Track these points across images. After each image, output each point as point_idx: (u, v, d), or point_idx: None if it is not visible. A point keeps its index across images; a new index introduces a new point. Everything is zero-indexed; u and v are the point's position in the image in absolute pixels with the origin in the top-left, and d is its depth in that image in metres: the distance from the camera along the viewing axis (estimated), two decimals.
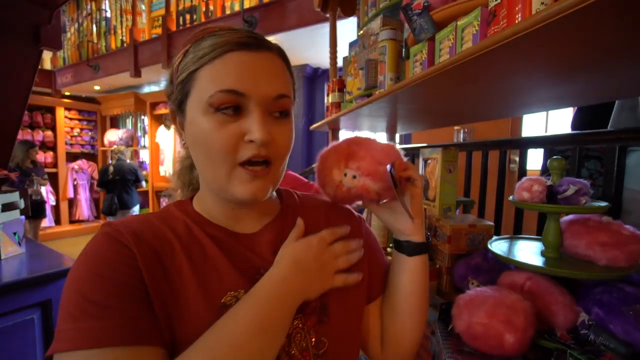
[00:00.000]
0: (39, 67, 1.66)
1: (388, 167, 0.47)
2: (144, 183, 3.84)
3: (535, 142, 1.24)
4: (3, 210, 1.30)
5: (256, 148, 0.40)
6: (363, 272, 0.51)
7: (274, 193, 0.54)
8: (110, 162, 4.38)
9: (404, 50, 0.83)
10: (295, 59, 3.65)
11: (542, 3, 0.37)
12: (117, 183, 3.66)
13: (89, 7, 4.73)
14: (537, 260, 0.65)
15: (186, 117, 0.43)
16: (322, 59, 3.59)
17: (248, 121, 0.40)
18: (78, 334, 0.34)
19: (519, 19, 0.40)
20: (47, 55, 5.12)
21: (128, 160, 3.93)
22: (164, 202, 4.77)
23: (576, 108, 1.47)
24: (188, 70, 0.42)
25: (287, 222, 0.51)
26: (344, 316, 0.47)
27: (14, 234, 1.36)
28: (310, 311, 0.45)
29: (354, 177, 0.49)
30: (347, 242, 0.50)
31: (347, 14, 1.40)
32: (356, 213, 0.58)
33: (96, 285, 0.36)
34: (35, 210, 3.54)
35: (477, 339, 0.52)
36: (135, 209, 3.82)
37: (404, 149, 2.15)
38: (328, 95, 1.28)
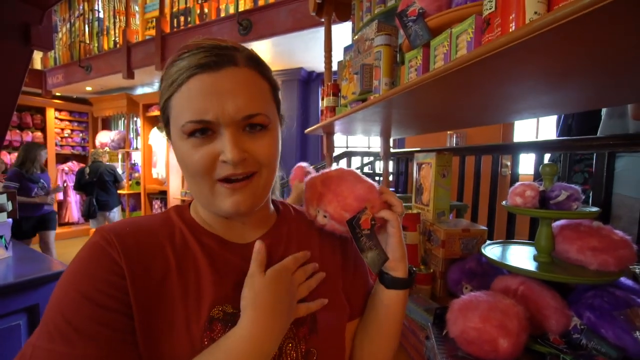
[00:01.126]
0: (29, 67, 1.63)
1: (348, 216, 0.49)
2: (123, 183, 3.75)
3: (527, 147, 1.26)
4: None
5: (232, 167, 0.41)
6: (337, 288, 0.52)
7: (272, 207, 0.55)
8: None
9: (398, 55, 0.84)
10: (289, 62, 3.66)
11: (536, 12, 0.38)
12: (95, 185, 3.60)
13: (81, 7, 4.68)
14: (529, 264, 0.65)
15: (171, 138, 0.45)
16: (316, 63, 3.61)
17: (220, 142, 0.41)
18: (51, 357, 0.34)
19: (513, 27, 0.41)
20: (37, 55, 5.04)
21: (105, 162, 3.83)
22: (156, 204, 4.72)
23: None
24: (164, 98, 0.43)
25: (282, 233, 0.52)
26: (331, 328, 0.48)
27: (1, 237, 1.33)
28: (302, 321, 0.46)
29: (325, 216, 0.51)
30: (305, 267, 0.49)
31: (342, 18, 1.41)
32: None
33: (79, 307, 0.36)
34: (45, 221, 3.16)
35: (471, 343, 0.52)
36: (115, 210, 3.74)
37: (396, 153, 2.16)
38: (323, 99, 1.29)
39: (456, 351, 0.55)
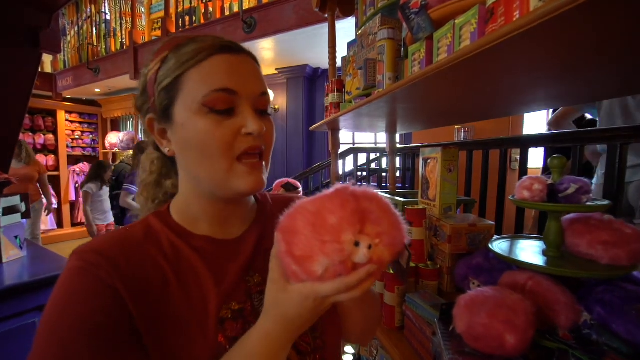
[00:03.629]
0: (39, 70, 1.66)
1: (406, 238, 0.36)
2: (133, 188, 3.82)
3: (536, 140, 1.23)
4: (4, 214, 1.30)
5: (252, 140, 0.43)
6: None
7: (252, 197, 0.56)
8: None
9: (402, 49, 0.83)
10: (294, 60, 3.65)
11: (540, 0, 0.37)
12: (114, 183, 3.69)
13: (88, 10, 4.74)
14: (538, 259, 0.64)
15: (174, 121, 0.43)
16: (321, 59, 3.59)
17: (241, 117, 0.43)
18: None
19: (517, 16, 0.40)
20: (47, 59, 5.14)
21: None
22: None
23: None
24: (173, 76, 0.42)
25: (266, 224, 0.52)
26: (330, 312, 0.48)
27: (15, 237, 1.37)
28: None
29: (370, 247, 0.33)
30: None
31: (346, 14, 1.40)
32: None
33: (81, 341, 0.33)
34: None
35: (478, 339, 0.51)
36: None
37: (403, 148, 2.15)
38: (327, 95, 1.28)
39: (463, 347, 0.54)
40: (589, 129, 1.17)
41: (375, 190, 0.37)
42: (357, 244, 0.32)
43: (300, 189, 1.81)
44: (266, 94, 0.46)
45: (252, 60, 0.47)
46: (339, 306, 0.51)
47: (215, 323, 0.41)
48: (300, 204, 0.34)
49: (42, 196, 3.42)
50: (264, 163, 0.46)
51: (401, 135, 3.63)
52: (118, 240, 0.41)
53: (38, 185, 3.38)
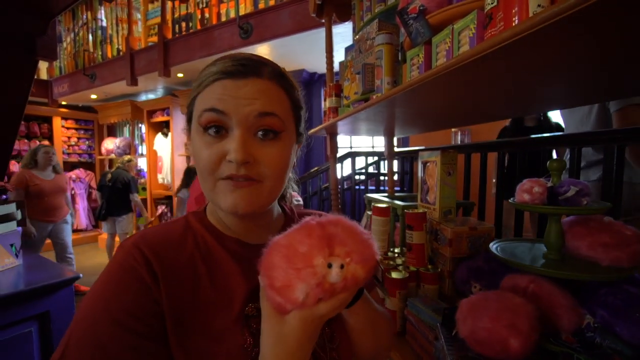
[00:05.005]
0: (35, 77, 1.65)
1: (377, 254, 0.37)
2: (135, 196, 3.79)
3: (534, 143, 1.24)
4: (0, 222, 1.28)
5: (235, 167, 0.42)
6: None
7: (279, 208, 0.57)
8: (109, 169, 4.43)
9: (400, 54, 0.83)
10: (291, 64, 3.66)
11: (539, 5, 0.37)
12: (111, 189, 3.69)
13: (84, 16, 4.74)
14: (539, 262, 0.64)
15: (190, 133, 0.48)
16: (318, 64, 3.61)
17: (229, 141, 0.43)
18: None
19: (516, 21, 0.40)
20: (43, 65, 5.12)
21: (132, 172, 3.93)
22: (160, 210, 4.75)
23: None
24: (192, 96, 0.47)
25: None
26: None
27: (11, 245, 1.35)
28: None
29: (342, 266, 0.35)
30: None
31: (343, 19, 1.41)
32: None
33: (113, 334, 0.37)
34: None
35: (481, 343, 0.51)
36: (125, 217, 3.78)
37: (401, 152, 2.15)
38: (325, 100, 1.28)
39: (466, 351, 0.54)
40: (585, 131, 1.18)
41: (339, 216, 0.39)
42: (329, 266, 0.35)
43: (301, 201, 1.80)
44: (270, 114, 0.43)
45: (268, 80, 0.44)
46: (351, 331, 0.50)
47: (240, 318, 0.42)
48: (273, 241, 0.37)
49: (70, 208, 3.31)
50: (261, 187, 0.44)
51: (398, 139, 3.64)
52: (164, 236, 0.45)
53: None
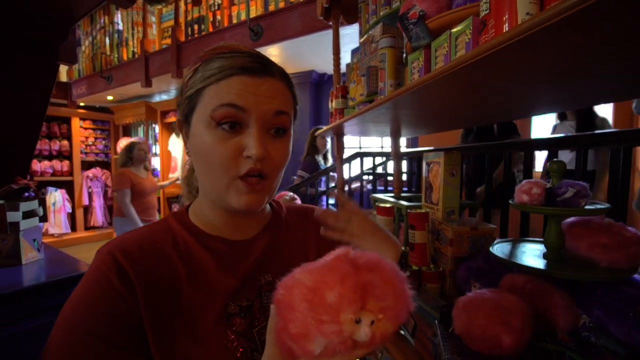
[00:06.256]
0: (56, 79, 1.73)
1: (412, 306, 0.32)
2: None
3: (539, 144, 1.23)
4: (24, 218, 1.36)
5: (252, 163, 0.42)
6: None
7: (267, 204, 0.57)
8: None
9: (404, 56, 0.85)
10: (301, 65, 3.69)
11: (528, 13, 0.39)
12: None
13: (102, 20, 4.89)
14: (538, 262, 0.65)
15: (191, 129, 0.46)
16: (327, 65, 3.61)
17: (246, 137, 0.43)
18: None
19: (506, 28, 0.42)
20: (63, 68, 5.30)
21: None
22: (175, 208, 4.86)
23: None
24: (196, 87, 0.44)
25: (280, 230, 0.55)
26: None
27: (34, 240, 1.42)
28: None
29: (372, 322, 0.29)
30: None
31: (350, 21, 1.43)
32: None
33: (89, 346, 0.37)
34: None
35: (476, 340, 0.53)
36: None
37: (408, 153, 2.16)
38: (332, 101, 1.31)
39: (461, 348, 0.55)
40: (590, 132, 1.16)
41: (378, 256, 0.32)
42: (358, 321, 0.29)
43: (298, 200, 1.83)
44: (284, 112, 0.45)
45: (279, 80, 0.46)
46: None
47: (222, 318, 0.43)
48: (297, 275, 0.31)
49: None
50: (267, 183, 0.45)
51: (408, 139, 3.63)
52: (138, 237, 0.45)
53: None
